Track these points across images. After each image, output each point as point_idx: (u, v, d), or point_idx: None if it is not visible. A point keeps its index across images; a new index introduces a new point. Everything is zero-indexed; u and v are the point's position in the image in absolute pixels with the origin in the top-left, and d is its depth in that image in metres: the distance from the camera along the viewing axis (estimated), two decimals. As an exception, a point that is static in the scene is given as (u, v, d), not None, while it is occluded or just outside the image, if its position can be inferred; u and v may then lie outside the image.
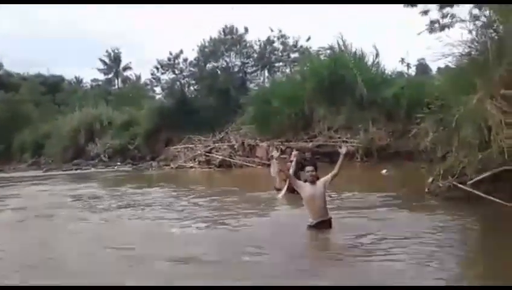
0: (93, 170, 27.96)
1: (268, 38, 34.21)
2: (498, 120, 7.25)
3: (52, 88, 49.26)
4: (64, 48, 78.96)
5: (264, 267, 4.93)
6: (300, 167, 10.10)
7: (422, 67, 33.64)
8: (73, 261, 5.50)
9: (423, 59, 32.45)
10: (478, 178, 7.16)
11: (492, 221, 6.59)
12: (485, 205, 7.06)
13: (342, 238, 5.89)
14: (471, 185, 7.58)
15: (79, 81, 57.60)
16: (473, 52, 9.77)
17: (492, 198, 6.99)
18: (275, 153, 9.66)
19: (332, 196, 9.58)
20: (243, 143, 22.65)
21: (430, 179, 9.23)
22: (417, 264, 4.59)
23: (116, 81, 55.24)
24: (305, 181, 6.31)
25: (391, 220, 6.86)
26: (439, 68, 25.70)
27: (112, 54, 53.64)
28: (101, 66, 54.08)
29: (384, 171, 14.65)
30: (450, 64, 14.72)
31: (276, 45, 34.64)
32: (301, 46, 33.96)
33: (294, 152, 10.67)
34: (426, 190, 9.10)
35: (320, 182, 6.39)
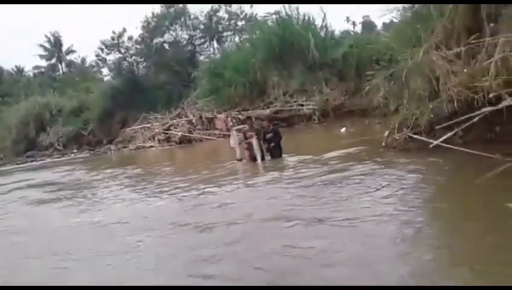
0: (48, 160, 27.14)
1: (212, 8, 33.60)
2: (445, 70, 7.53)
3: (-9, 80, 46.91)
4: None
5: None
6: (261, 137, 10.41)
7: (367, 24, 34.03)
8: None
9: (368, 16, 32.86)
10: (449, 134, 7.42)
11: (450, 166, 6.98)
12: (441, 152, 7.45)
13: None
14: (428, 135, 7.92)
15: (20, 70, 54.91)
16: (415, 5, 10.08)
17: (447, 145, 7.35)
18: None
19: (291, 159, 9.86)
20: (200, 117, 22.55)
21: (386, 133, 9.59)
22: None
23: (59, 66, 53.03)
24: None
25: (352, 174, 7.14)
26: (384, 24, 26.31)
27: (52, 38, 51.27)
28: (42, 52, 51.70)
29: (342, 129, 15.02)
30: (394, 19, 15.23)
31: (221, 14, 34.21)
32: (246, 14, 33.67)
33: (250, 133, 10.63)
34: (383, 144, 9.44)
35: None
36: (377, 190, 5.92)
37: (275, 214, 5.53)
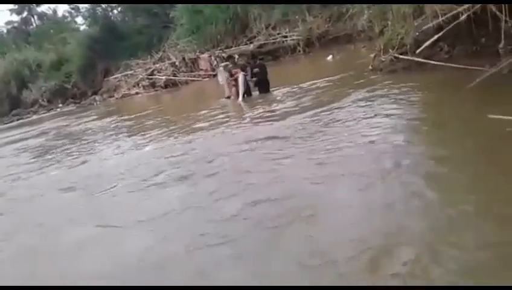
0: (35, 116, 26.81)
1: None
2: (429, -17, 7.34)
3: (-37, 40, 45.17)
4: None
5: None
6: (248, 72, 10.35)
7: None
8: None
9: None
10: (425, 45, 7.36)
11: (436, 81, 6.97)
12: (427, 71, 7.41)
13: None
14: (414, 54, 7.84)
15: (-9, 27, 52.74)
16: None
17: (433, 62, 7.30)
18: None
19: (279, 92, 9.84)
20: (183, 58, 22.09)
21: (372, 55, 9.50)
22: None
23: (32, 19, 50.96)
24: None
25: (340, 101, 7.12)
26: None
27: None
28: (12, 6, 49.36)
29: (329, 57, 14.80)
30: None
31: None
32: None
33: (235, 70, 10.54)
34: (370, 67, 9.37)
35: None
36: (366, 113, 5.93)
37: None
